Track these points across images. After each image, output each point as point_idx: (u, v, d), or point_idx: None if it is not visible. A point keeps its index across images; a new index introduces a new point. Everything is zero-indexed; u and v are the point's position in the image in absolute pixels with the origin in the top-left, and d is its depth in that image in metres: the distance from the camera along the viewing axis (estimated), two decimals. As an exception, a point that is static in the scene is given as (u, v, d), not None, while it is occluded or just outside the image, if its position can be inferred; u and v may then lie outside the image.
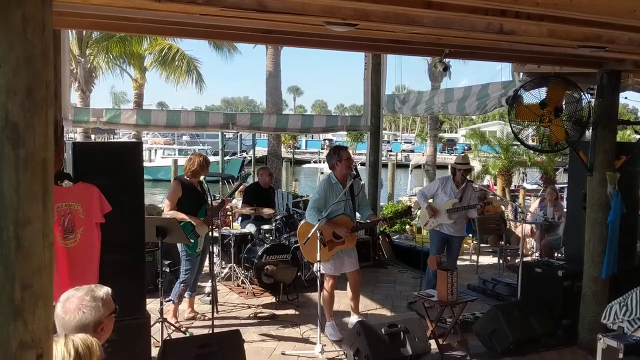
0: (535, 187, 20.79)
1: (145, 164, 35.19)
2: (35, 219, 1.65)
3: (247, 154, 38.96)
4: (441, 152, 48.89)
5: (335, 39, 4.10)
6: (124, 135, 26.06)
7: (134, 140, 15.58)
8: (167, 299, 5.50)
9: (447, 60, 5.57)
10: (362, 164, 11.67)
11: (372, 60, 9.46)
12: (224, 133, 27.36)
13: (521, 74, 6.63)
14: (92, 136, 22.09)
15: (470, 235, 10.79)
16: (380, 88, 9.58)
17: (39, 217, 1.66)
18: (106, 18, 3.80)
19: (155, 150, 40.62)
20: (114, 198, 4.15)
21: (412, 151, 53.00)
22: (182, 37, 10.61)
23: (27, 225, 1.63)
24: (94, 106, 14.42)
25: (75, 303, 2.49)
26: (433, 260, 5.77)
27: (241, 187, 8.01)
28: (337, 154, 5.98)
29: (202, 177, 6.09)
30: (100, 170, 4.17)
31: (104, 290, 2.60)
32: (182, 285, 6.13)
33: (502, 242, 9.85)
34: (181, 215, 5.89)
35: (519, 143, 5.94)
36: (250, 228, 7.99)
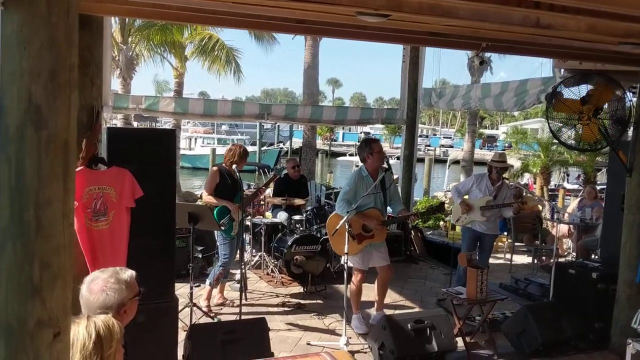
0: (576, 186, 20.33)
1: (185, 152, 36.09)
2: (55, 200, 1.68)
3: (284, 145, 39.16)
4: (481, 149, 48.19)
5: (369, 30, 4.05)
6: (165, 123, 26.46)
7: (172, 127, 15.80)
8: (196, 284, 5.57)
9: (484, 54, 5.46)
10: (398, 158, 11.57)
11: (410, 53, 9.37)
12: (262, 124, 27.59)
13: (562, 70, 6.45)
14: (135, 123, 22.48)
15: (505, 233, 10.63)
16: (418, 81, 9.48)
17: (60, 198, 1.69)
18: (143, 5, 3.84)
19: (195, 139, 41.18)
20: (146, 183, 4.19)
21: (451, 146, 52.35)
22: (215, 25, 10.69)
23: (48, 206, 1.67)
24: (136, 93, 14.71)
25: (100, 284, 2.54)
26: (463, 257, 5.69)
27: (275, 179, 8.07)
28: (368, 146, 5.92)
29: (234, 166, 6.16)
30: (133, 155, 4.23)
31: (128, 273, 2.64)
32: (221, 268, 6.30)
33: (538, 242, 9.65)
34: (220, 201, 6.16)
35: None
36: (282, 217, 8.02)
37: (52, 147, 1.66)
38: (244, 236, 7.34)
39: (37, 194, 1.65)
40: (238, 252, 6.47)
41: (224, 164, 6.34)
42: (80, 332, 2.18)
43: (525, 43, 4.50)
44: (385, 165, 5.82)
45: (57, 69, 1.66)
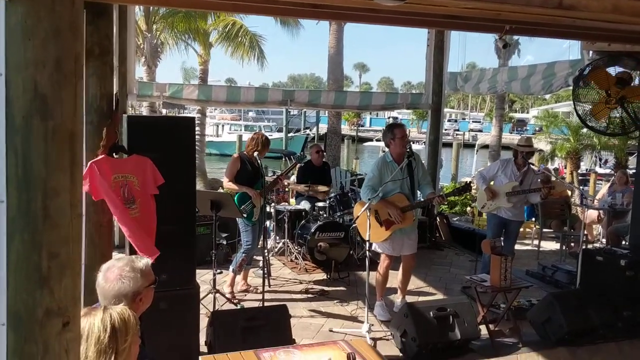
0: (608, 171, 19.90)
1: (213, 139, 36.37)
2: (63, 191, 1.68)
3: (310, 131, 39.14)
4: (510, 133, 47.49)
5: (387, 13, 3.97)
6: (193, 110, 26.65)
7: (197, 114, 15.88)
8: (218, 271, 5.61)
9: (508, 37, 5.32)
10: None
11: (435, 37, 9.22)
12: (289, 110, 27.57)
13: (591, 52, 6.26)
14: (164, 110, 22.64)
15: (533, 219, 10.46)
16: (443, 65, 9.33)
17: (67, 189, 1.69)
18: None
19: (223, 126, 41.40)
20: (166, 171, 4.21)
21: (480, 131, 51.73)
22: (230, 11, 10.64)
23: (55, 197, 1.66)
24: (164, 81, 14.80)
25: (115, 273, 2.56)
26: (487, 244, 5.61)
27: (296, 166, 8.05)
28: (391, 131, 5.86)
29: (255, 154, 6.16)
30: (153, 143, 4.24)
31: (143, 262, 2.65)
32: (244, 255, 6.32)
33: (566, 228, 9.47)
34: (240, 187, 6.19)
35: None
36: (305, 205, 8.02)
37: (59, 137, 1.65)
38: (267, 223, 7.37)
39: (44, 185, 1.64)
40: (261, 238, 6.50)
41: (245, 152, 6.37)
42: (96, 325, 2.20)
43: (550, 25, 4.38)
44: (408, 150, 5.74)
45: (63, 59, 1.65)
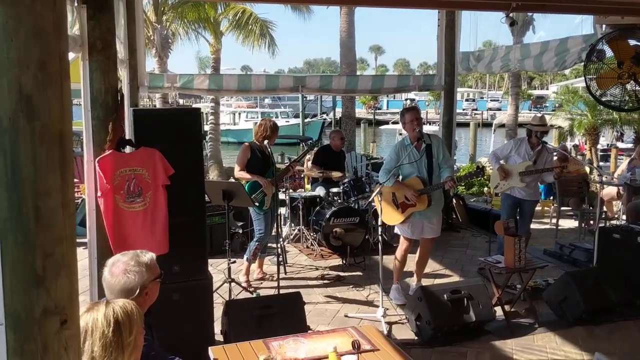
0: (630, 145, 19.58)
1: (230, 127, 36.52)
2: (54, 191, 1.69)
3: (327, 115, 39.02)
4: (530, 110, 46.88)
5: (388, -4, 3.93)
6: (207, 100, 26.81)
7: (212, 104, 15.91)
8: (232, 261, 5.63)
9: (515, 15, 5.21)
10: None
11: (445, 17, 9.07)
12: (304, 96, 27.51)
13: (604, 26, 6.11)
14: (181, 101, 22.70)
15: (551, 197, 10.33)
16: (455, 45, 9.19)
17: (58, 189, 1.70)
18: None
19: (239, 114, 41.47)
20: (174, 163, 4.22)
21: (498, 109, 51.22)
22: (240, 1, 10.55)
23: (46, 197, 1.67)
24: (175, 71, 14.84)
25: (121, 267, 2.58)
26: (500, 225, 5.55)
27: (307, 153, 8.00)
28: (402, 116, 5.91)
29: (265, 142, 6.14)
30: (160, 135, 4.25)
31: (148, 256, 2.68)
32: (257, 244, 6.35)
33: (585, 206, 9.34)
34: (251, 175, 6.18)
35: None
36: (320, 191, 8.01)
37: (47, 137, 1.66)
38: (280, 210, 7.36)
39: (34, 185, 1.65)
40: (274, 226, 6.52)
41: (255, 140, 6.35)
42: (99, 320, 2.22)
43: (559, 0, 4.28)
44: (417, 134, 5.70)
45: (46, 59, 1.65)
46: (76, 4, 3.97)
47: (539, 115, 7.08)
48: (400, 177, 5.75)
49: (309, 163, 8.64)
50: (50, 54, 1.66)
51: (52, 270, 1.70)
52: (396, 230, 5.96)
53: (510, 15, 4.97)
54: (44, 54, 1.64)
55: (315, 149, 8.42)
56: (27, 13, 1.60)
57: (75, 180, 3.69)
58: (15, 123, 1.62)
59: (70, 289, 1.76)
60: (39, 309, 1.69)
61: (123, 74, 5.77)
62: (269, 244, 6.78)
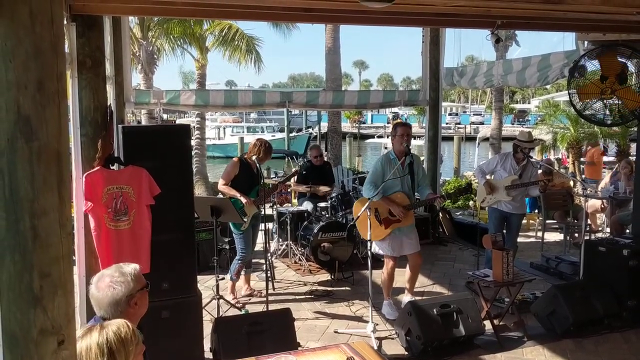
0: (613, 159, 19.80)
1: (215, 141, 36.41)
2: (51, 210, 1.69)
3: (312, 130, 39.10)
4: (512, 124, 47.38)
5: (377, 15, 3.97)
6: (192, 115, 26.75)
7: (197, 119, 15.87)
8: (220, 277, 5.61)
9: (500, 32, 5.30)
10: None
11: (430, 33, 9.19)
12: (289, 110, 27.58)
13: (585, 42, 6.24)
14: (165, 115, 22.62)
15: (536, 211, 10.43)
16: (439, 61, 9.31)
17: (55, 208, 1.70)
18: (148, 3, 3.84)
19: (224, 128, 41.42)
20: (163, 179, 4.22)
21: (481, 123, 51.63)
22: (219, 18, 10.60)
23: (43, 216, 1.67)
24: (163, 87, 14.81)
25: (106, 281, 2.57)
26: (488, 239, 5.60)
27: (296, 174, 8.01)
28: (394, 129, 5.99)
29: (254, 157, 6.13)
30: (149, 152, 4.25)
31: (132, 267, 2.67)
32: (240, 262, 6.29)
33: (569, 219, 9.44)
34: (233, 192, 6.08)
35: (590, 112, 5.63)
36: (307, 206, 8.01)
37: (44, 157, 1.66)
38: (270, 225, 7.34)
39: (31, 205, 1.65)
40: (263, 242, 6.49)
41: (246, 156, 6.29)
42: (93, 350, 2.19)
43: (543, 18, 4.37)
44: (405, 148, 5.75)
45: (44, 79, 1.66)
46: (65, 22, 3.98)
47: (527, 131, 7.17)
48: (382, 190, 5.68)
49: (294, 180, 8.66)
50: (48, 75, 1.67)
51: (50, 290, 1.70)
52: (375, 249, 5.80)
53: (495, 32, 5.06)
54: (42, 74, 1.65)
55: (306, 161, 8.43)
56: (25, 34, 1.61)
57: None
58: (14, 144, 1.63)
59: (67, 309, 1.75)
60: (36, 329, 1.68)
61: (109, 90, 5.76)
62: (256, 260, 6.75)
